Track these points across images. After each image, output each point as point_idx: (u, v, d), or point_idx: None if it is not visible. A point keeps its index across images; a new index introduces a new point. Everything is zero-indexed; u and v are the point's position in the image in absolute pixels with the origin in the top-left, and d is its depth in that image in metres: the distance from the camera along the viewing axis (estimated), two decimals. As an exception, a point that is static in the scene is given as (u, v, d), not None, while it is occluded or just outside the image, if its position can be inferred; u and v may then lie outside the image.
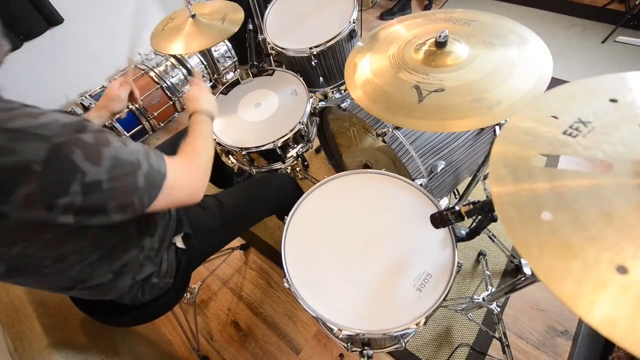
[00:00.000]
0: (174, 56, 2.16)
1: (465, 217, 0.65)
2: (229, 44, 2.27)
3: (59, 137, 0.47)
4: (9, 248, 0.50)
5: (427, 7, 2.67)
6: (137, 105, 1.97)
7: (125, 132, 1.97)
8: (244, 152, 1.21)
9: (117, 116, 0.98)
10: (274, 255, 1.61)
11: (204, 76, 2.27)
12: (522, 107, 0.52)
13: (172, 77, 2.13)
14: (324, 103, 1.25)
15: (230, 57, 2.30)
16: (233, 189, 1.08)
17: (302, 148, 1.34)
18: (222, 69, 2.26)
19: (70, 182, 0.47)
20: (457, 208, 0.65)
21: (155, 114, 2.08)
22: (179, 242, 0.86)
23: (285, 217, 0.90)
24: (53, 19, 1.84)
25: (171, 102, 2.16)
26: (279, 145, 1.20)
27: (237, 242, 1.66)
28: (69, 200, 0.48)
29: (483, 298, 1.09)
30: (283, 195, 1.11)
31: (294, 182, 1.17)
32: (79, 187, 0.48)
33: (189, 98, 0.90)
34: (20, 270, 0.56)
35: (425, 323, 0.71)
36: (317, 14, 1.40)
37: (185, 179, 0.66)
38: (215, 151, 1.37)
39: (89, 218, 0.52)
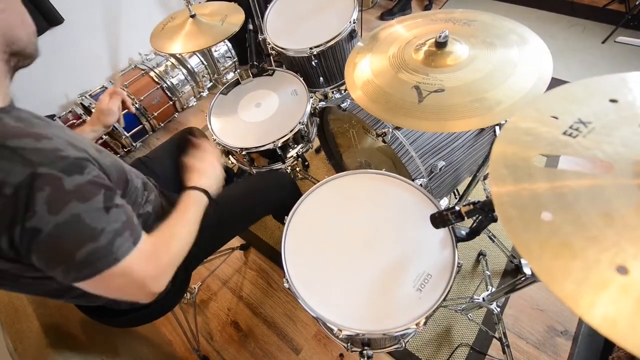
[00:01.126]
0: (174, 56, 2.16)
1: (466, 217, 0.65)
2: (229, 44, 2.27)
3: (44, 167, 0.45)
4: None
5: (427, 8, 2.67)
6: (137, 105, 1.96)
7: (126, 133, 1.97)
8: (244, 152, 1.21)
9: (113, 129, 0.95)
10: (273, 255, 1.61)
11: (204, 76, 2.27)
12: (522, 108, 0.52)
13: (172, 77, 2.13)
14: (324, 103, 1.25)
15: (230, 57, 2.30)
16: (231, 188, 1.06)
17: (302, 148, 1.34)
18: (222, 69, 2.26)
19: (18, 218, 0.44)
20: (457, 208, 0.65)
21: (155, 114, 2.08)
22: None
23: (285, 217, 0.90)
24: (53, 19, 1.84)
25: (171, 102, 2.16)
26: (279, 145, 1.20)
27: (237, 242, 1.66)
28: (11, 236, 0.45)
29: (483, 298, 1.09)
30: (280, 193, 1.09)
31: (291, 180, 1.16)
32: (20, 226, 0.44)
33: (193, 168, 0.80)
34: (4, 281, 0.54)
35: (425, 323, 0.71)
36: (317, 14, 1.40)
37: (148, 265, 0.57)
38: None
39: (26, 257, 0.48)
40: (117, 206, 0.53)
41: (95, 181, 0.50)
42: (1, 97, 0.52)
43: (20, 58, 0.57)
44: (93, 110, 1.89)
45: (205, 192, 0.78)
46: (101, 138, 1.84)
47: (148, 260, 0.57)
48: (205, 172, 0.82)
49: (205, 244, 0.95)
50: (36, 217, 0.44)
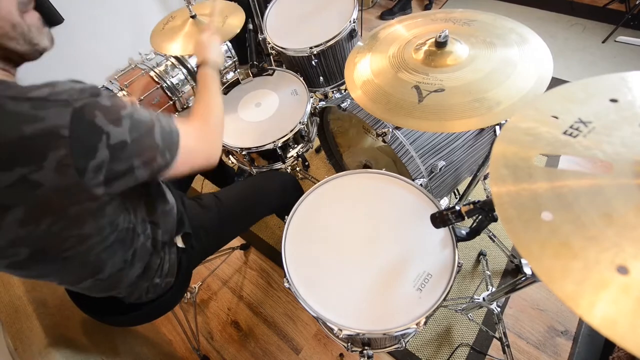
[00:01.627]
0: (175, 56, 2.16)
1: (466, 217, 0.65)
2: (229, 44, 2.27)
3: (79, 101, 0.48)
4: (36, 224, 0.50)
5: (427, 7, 2.67)
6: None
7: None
8: (244, 152, 1.21)
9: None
10: (274, 255, 1.61)
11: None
12: (523, 107, 0.52)
13: (172, 77, 2.13)
14: (324, 103, 1.25)
15: (230, 56, 2.28)
16: (232, 187, 1.07)
17: (302, 148, 1.34)
18: (222, 68, 2.26)
19: (97, 144, 0.49)
20: (457, 208, 0.66)
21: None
22: (179, 242, 0.86)
23: (286, 216, 0.90)
24: (53, 19, 1.84)
25: (171, 102, 2.15)
26: (279, 145, 1.20)
27: (238, 241, 1.66)
28: (98, 162, 0.49)
29: (483, 298, 1.09)
30: (284, 193, 1.10)
31: (294, 180, 1.17)
32: (106, 148, 0.49)
33: (201, 44, 0.91)
34: (44, 254, 0.56)
35: (425, 323, 0.71)
36: (317, 14, 1.40)
37: (200, 143, 0.68)
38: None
39: (117, 180, 0.53)
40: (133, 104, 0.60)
41: (111, 93, 0.56)
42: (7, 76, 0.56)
43: (21, 58, 0.58)
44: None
45: (214, 63, 0.89)
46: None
47: (199, 131, 0.70)
48: (211, 47, 0.91)
49: (206, 243, 0.96)
50: (112, 134, 0.50)
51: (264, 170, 1.35)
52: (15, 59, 0.57)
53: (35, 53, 0.60)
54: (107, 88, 2.09)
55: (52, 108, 0.46)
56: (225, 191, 1.05)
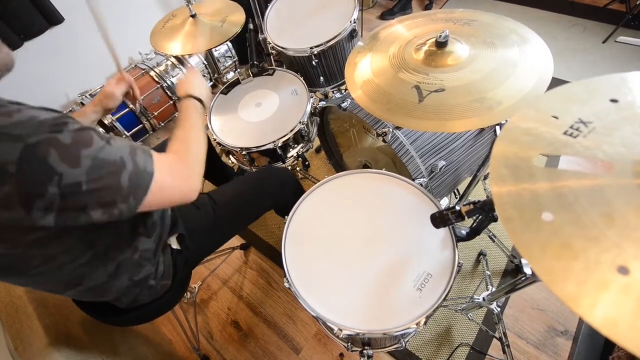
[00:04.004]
0: (175, 56, 2.16)
1: (466, 217, 0.65)
2: (229, 44, 2.27)
3: (33, 136, 0.45)
4: None
5: (427, 7, 2.67)
6: (137, 105, 1.97)
7: (126, 132, 1.97)
8: (244, 152, 1.21)
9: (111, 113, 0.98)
10: (274, 255, 1.61)
11: (204, 76, 2.27)
12: (523, 108, 0.52)
13: (173, 77, 2.13)
14: (324, 103, 1.25)
15: (230, 56, 2.30)
16: (228, 186, 1.05)
17: (302, 148, 1.34)
18: (222, 68, 2.26)
19: (46, 183, 0.46)
20: (457, 208, 0.65)
21: (156, 113, 2.08)
22: (174, 243, 0.85)
23: (286, 216, 0.90)
24: (53, 18, 1.84)
25: (171, 102, 2.16)
26: (280, 145, 1.20)
27: (237, 241, 1.66)
28: (47, 202, 0.46)
29: (483, 298, 1.09)
30: (282, 188, 1.08)
31: (292, 175, 1.15)
32: (56, 189, 0.46)
33: (182, 82, 0.86)
34: (10, 270, 0.56)
35: (425, 323, 0.71)
36: (317, 14, 1.40)
37: (176, 181, 0.63)
38: (215, 151, 1.38)
39: (70, 219, 0.50)
40: (112, 137, 0.56)
41: (81, 127, 0.51)
42: None
43: None
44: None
45: (198, 99, 0.82)
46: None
47: (175, 167, 0.64)
48: (193, 82, 0.85)
49: (202, 244, 0.95)
50: (65, 175, 0.47)
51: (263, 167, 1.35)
52: None
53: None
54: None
55: (1, 143, 0.44)
56: (220, 190, 1.03)
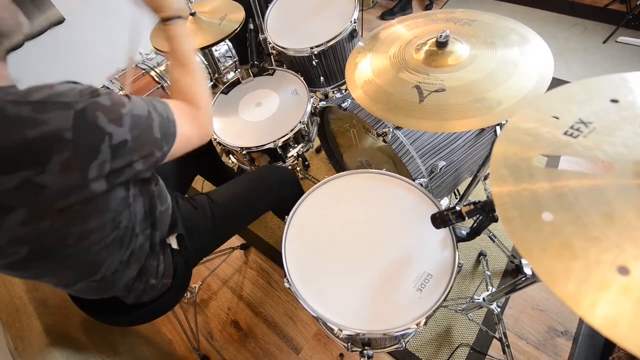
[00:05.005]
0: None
1: (466, 217, 0.65)
2: (230, 44, 2.27)
3: (79, 103, 0.48)
4: (37, 223, 0.50)
5: (428, 7, 2.67)
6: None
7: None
8: (244, 152, 1.21)
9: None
10: (274, 255, 1.61)
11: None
12: (523, 108, 0.52)
13: (173, 77, 2.13)
14: (324, 103, 1.25)
15: (231, 56, 2.29)
16: (226, 187, 1.04)
17: (302, 148, 1.34)
18: (222, 68, 2.26)
19: (99, 145, 0.49)
20: (457, 208, 0.65)
21: (156, 113, 2.08)
22: (174, 243, 0.85)
23: (286, 216, 0.90)
24: (54, 18, 1.84)
25: (172, 102, 2.16)
26: (280, 144, 1.20)
27: (238, 241, 1.66)
28: (100, 161, 0.50)
29: (483, 298, 1.09)
30: (280, 187, 1.08)
31: (291, 173, 1.14)
32: (108, 149, 0.50)
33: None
34: (44, 252, 0.56)
35: (425, 323, 0.71)
36: (318, 14, 1.40)
37: (195, 129, 0.68)
38: (215, 151, 1.38)
39: (117, 174, 0.54)
40: (129, 96, 0.59)
41: (109, 91, 0.55)
42: (7, 79, 0.55)
43: (8, 41, 0.57)
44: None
45: (179, 13, 0.76)
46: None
47: (190, 116, 0.68)
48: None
49: (201, 244, 0.95)
50: (115, 134, 0.51)
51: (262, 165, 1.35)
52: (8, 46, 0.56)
53: (20, 35, 0.59)
54: (107, 87, 2.09)
55: (53, 111, 0.46)
56: (219, 190, 1.02)
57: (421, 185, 0.91)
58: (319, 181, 0.96)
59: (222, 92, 1.41)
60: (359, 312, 0.74)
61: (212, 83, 2.35)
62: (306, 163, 1.85)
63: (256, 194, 1.04)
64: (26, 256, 0.54)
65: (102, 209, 0.57)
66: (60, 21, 1.87)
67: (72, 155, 0.47)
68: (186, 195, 1.01)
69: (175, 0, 0.76)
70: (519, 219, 0.40)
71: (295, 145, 1.32)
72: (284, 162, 1.31)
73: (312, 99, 1.28)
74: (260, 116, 1.29)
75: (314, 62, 1.36)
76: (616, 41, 2.08)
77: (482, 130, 1.13)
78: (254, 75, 1.43)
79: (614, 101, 0.47)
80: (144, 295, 0.80)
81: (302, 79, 1.35)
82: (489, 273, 1.32)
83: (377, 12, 2.74)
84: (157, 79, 2.05)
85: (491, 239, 1.38)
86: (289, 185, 1.11)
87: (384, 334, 0.71)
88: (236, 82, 1.43)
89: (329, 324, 0.73)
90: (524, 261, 0.83)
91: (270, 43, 1.41)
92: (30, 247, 0.53)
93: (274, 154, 1.27)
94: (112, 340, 1.07)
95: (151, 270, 0.78)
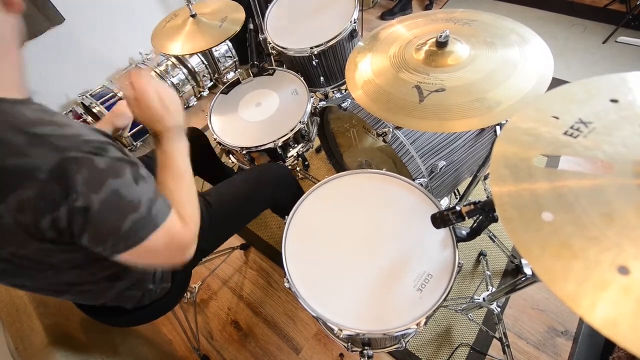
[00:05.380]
0: (175, 56, 2.16)
1: (466, 217, 0.65)
2: (230, 44, 2.27)
3: (73, 152, 0.46)
4: (2, 248, 0.50)
5: (427, 7, 2.67)
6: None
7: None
8: (244, 152, 1.21)
9: (120, 132, 0.95)
10: (274, 255, 1.61)
11: (204, 76, 2.27)
12: (523, 108, 0.52)
13: (173, 77, 2.14)
14: (324, 103, 1.25)
15: (230, 56, 2.30)
16: (222, 186, 1.02)
17: (302, 148, 1.34)
18: (222, 68, 2.26)
19: (61, 200, 0.46)
20: (457, 208, 0.65)
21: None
22: None
23: (286, 216, 0.90)
24: (54, 19, 1.84)
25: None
26: (280, 144, 1.20)
27: (237, 241, 1.66)
28: (54, 217, 0.46)
29: (483, 298, 1.09)
30: (277, 185, 1.06)
31: (288, 172, 1.13)
32: (66, 207, 0.46)
33: (148, 106, 0.66)
34: (16, 269, 0.55)
35: (425, 323, 0.71)
36: (318, 14, 1.40)
37: (172, 248, 0.60)
38: (214, 151, 1.38)
39: (67, 237, 0.50)
40: (143, 178, 0.55)
41: (120, 158, 0.52)
42: (21, 90, 0.53)
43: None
44: (93, 109, 1.90)
45: (179, 128, 0.69)
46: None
47: (180, 233, 0.60)
48: (167, 107, 0.67)
49: (202, 243, 0.94)
50: (82, 197, 0.47)
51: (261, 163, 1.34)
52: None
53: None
54: (108, 88, 2.08)
55: (43, 148, 0.45)
56: (214, 190, 1.01)
57: (421, 185, 0.91)
58: (319, 181, 0.96)
59: (222, 92, 1.41)
60: (359, 312, 0.74)
61: (212, 83, 2.35)
62: (306, 163, 1.85)
63: (251, 193, 1.03)
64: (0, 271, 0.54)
65: (65, 250, 0.54)
66: (60, 21, 1.87)
67: (33, 197, 0.44)
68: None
69: (174, 110, 0.68)
70: (518, 219, 0.40)
71: (295, 145, 1.32)
72: (284, 162, 1.31)
73: (312, 99, 1.28)
74: (260, 116, 1.29)
75: (314, 62, 1.36)
76: (616, 41, 2.08)
77: (482, 130, 1.13)
78: (254, 75, 1.43)
79: (614, 101, 0.48)
80: (143, 299, 0.80)
81: (302, 79, 1.35)
82: (489, 273, 1.32)
83: (377, 12, 2.74)
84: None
85: (491, 239, 1.38)
86: (285, 183, 1.10)
87: (384, 334, 0.71)
88: (236, 82, 1.43)
89: (329, 324, 0.73)
90: (523, 261, 0.83)
91: (270, 43, 1.41)
92: (2, 265, 0.53)
93: (274, 154, 1.27)
94: (112, 340, 1.07)
95: (147, 278, 0.77)
